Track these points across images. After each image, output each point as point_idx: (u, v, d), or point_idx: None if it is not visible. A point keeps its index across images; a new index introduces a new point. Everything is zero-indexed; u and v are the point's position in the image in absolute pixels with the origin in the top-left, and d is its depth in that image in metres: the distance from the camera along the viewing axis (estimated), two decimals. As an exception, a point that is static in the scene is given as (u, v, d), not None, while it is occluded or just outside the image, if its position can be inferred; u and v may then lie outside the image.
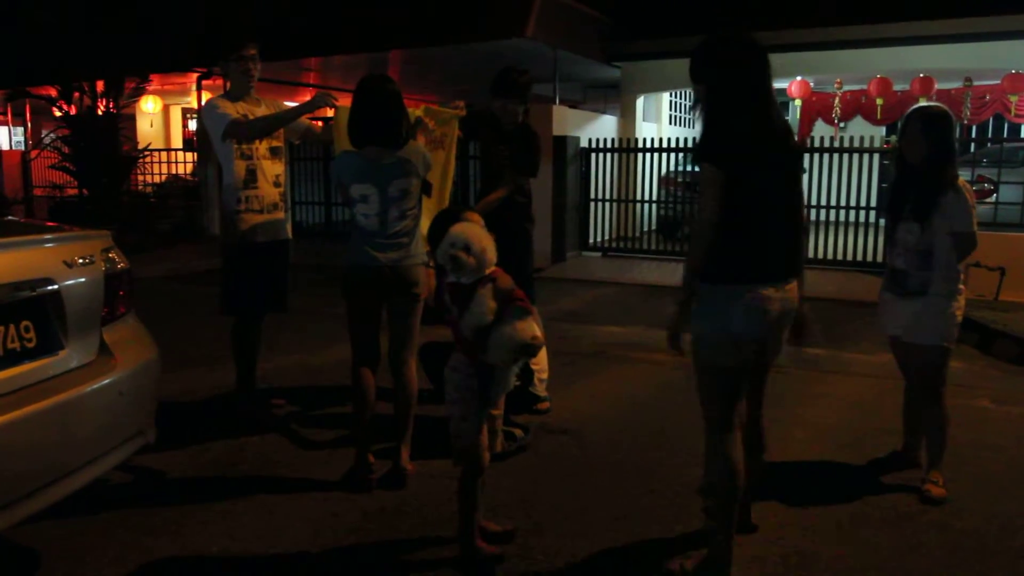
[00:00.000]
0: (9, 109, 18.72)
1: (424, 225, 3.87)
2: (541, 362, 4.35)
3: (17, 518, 2.43)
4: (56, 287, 2.67)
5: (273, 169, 4.36)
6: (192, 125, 18.87)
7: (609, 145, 11.23)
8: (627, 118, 13.28)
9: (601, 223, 11.47)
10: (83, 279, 2.79)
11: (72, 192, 13.69)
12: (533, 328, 2.75)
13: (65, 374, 2.66)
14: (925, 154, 3.46)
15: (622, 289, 9.07)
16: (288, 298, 4.56)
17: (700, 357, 2.73)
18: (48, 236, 2.92)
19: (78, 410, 2.62)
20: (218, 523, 3.22)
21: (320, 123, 4.71)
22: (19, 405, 2.41)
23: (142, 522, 3.22)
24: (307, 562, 2.94)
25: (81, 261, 2.80)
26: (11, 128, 20.80)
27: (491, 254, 2.78)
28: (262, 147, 4.32)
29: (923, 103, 4.15)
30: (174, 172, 15.53)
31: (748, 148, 2.63)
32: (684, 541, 3.10)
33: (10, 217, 3.35)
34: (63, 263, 2.73)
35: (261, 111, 4.33)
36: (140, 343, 3.07)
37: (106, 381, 2.75)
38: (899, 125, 3.63)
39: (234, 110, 4.21)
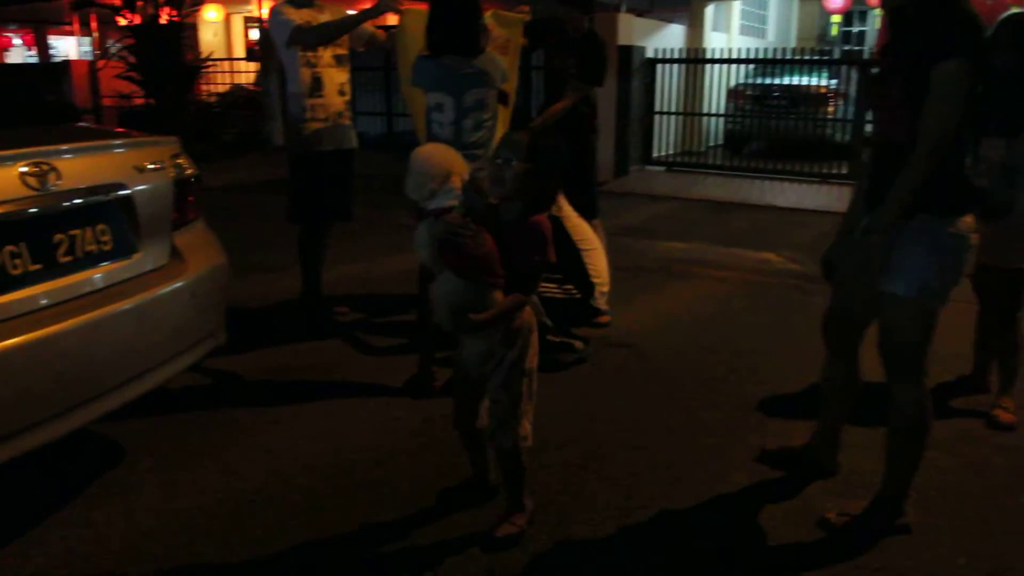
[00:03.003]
0: (76, 19, 18.88)
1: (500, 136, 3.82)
2: (602, 275, 4.33)
3: (99, 413, 2.55)
4: (128, 192, 2.73)
5: (338, 77, 4.33)
6: (254, 34, 18.79)
7: (676, 56, 10.86)
8: (695, 28, 12.79)
9: (665, 137, 11.20)
10: (153, 184, 2.83)
11: (139, 101, 13.85)
12: (446, 305, 2.26)
13: (140, 276, 2.74)
14: (1015, 64, 3.26)
15: (686, 204, 8.91)
16: (353, 207, 4.59)
17: (933, 304, 2.43)
18: (119, 142, 2.97)
19: (153, 311, 2.70)
20: (284, 423, 3.34)
21: (383, 31, 4.63)
22: (98, 305, 2.50)
23: (213, 420, 3.36)
24: (369, 462, 3.03)
25: (151, 167, 2.84)
26: (79, 38, 21.03)
27: (432, 183, 2.45)
28: (327, 55, 4.28)
29: (1015, 10, 3.88)
30: (237, 82, 15.57)
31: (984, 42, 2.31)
32: (739, 455, 3.11)
33: (82, 124, 3.43)
34: (134, 168, 2.78)
35: (324, 18, 4.28)
36: (210, 248, 3.13)
37: (178, 284, 2.82)
38: (990, 33, 3.41)
39: (298, 16, 4.17)
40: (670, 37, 11.86)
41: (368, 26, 4.41)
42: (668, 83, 10.91)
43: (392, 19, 4.28)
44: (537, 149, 2.32)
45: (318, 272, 4.57)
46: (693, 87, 11.07)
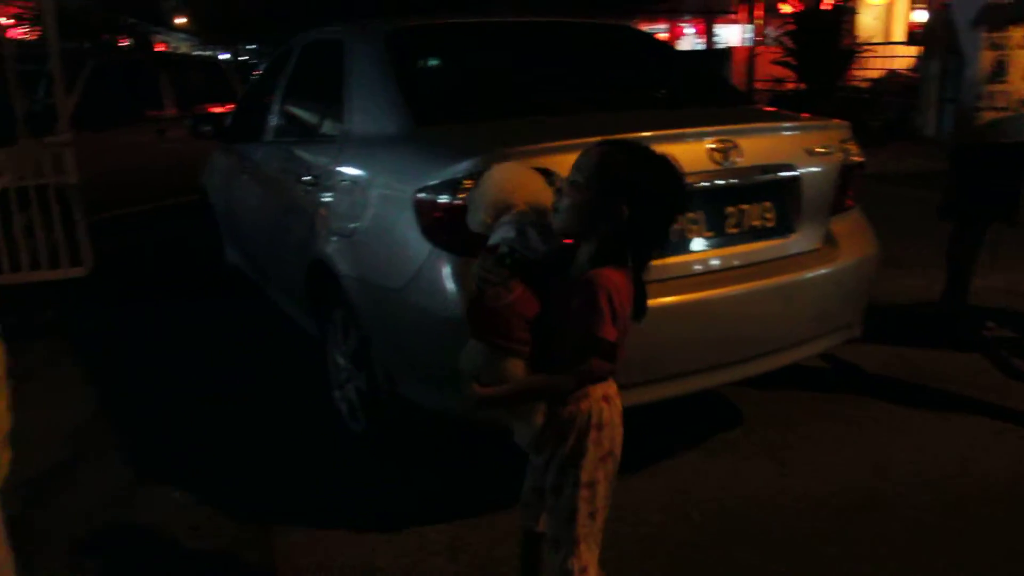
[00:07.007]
0: (742, 9, 20.23)
1: None
2: None
3: (733, 378, 2.76)
4: (796, 173, 2.81)
5: (1026, 60, 3.83)
6: (917, 16, 17.75)
7: None
8: None
9: None
10: (819, 168, 2.87)
11: (790, 86, 14.24)
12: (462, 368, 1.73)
13: (792, 256, 2.83)
14: None
15: None
16: (1020, 210, 4.04)
17: None
18: (790, 124, 3.07)
19: (800, 293, 2.78)
20: (898, 428, 3.17)
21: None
22: (752, 278, 2.66)
23: (825, 408, 3.35)
24: (992, 495, 2.70)
25: (820, 150, 2.88)
26: (743, 26, 22.57)
27: (482, 213, 1.78)
28: (1018, 34, 3.81)
29: None
30: (892, 68, 14.90)
31: None
32: None
33: (755, 106, 3.65)
34: (803, 151, 2.85)
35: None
36: (864, 238, 3.07)
37: (827, 270, 2.84)
38: None
39: (991, -8, 3.78)
40: None
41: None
42: None
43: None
44: (606, 168, 1.61)
45: (968, 277, 4.14)
46: None
